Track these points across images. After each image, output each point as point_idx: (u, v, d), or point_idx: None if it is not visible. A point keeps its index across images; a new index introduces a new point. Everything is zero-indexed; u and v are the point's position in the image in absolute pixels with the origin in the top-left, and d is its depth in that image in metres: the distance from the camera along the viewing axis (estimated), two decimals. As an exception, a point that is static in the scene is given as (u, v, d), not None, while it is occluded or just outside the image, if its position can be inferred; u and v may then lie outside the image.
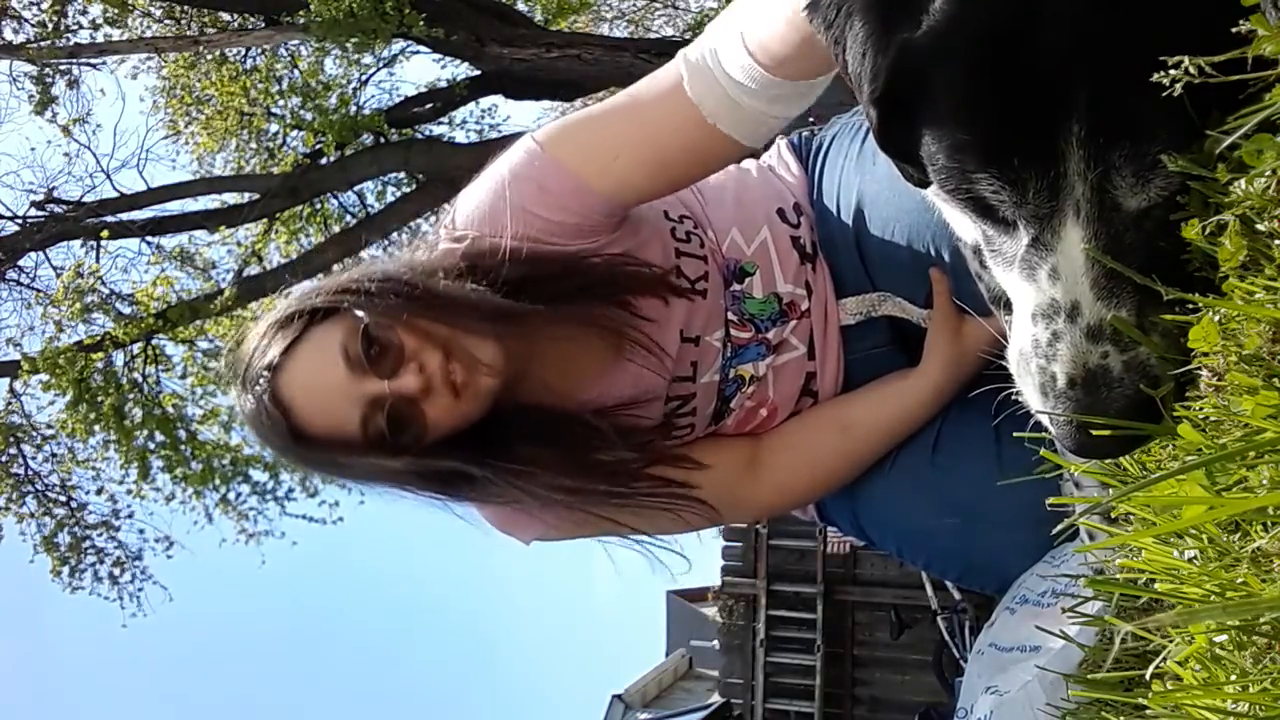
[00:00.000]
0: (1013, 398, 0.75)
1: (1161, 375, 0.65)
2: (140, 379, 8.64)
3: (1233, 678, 0.57)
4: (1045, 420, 0.72)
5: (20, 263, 8.78)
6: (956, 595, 5.33)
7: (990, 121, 0.65)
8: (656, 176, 1.21)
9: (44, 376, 7.88)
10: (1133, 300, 0.65)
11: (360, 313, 1.16)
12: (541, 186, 1.20)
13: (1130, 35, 0.60)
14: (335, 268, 1.37)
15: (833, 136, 1.42)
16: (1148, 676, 0.67)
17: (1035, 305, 0.69)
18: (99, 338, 8.26)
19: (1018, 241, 0.69)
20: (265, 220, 9.33)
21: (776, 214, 1.37)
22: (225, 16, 9.01)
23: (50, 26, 8.46)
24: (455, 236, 1.25)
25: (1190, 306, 0.62)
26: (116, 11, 8.56)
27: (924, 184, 0.73)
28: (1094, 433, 0.67)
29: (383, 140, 9.02)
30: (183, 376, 8.96)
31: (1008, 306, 0.75)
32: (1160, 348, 0.65)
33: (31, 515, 8.76)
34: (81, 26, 8.71)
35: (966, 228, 0.76)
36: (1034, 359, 0.70)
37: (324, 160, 8.89)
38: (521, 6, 10.16)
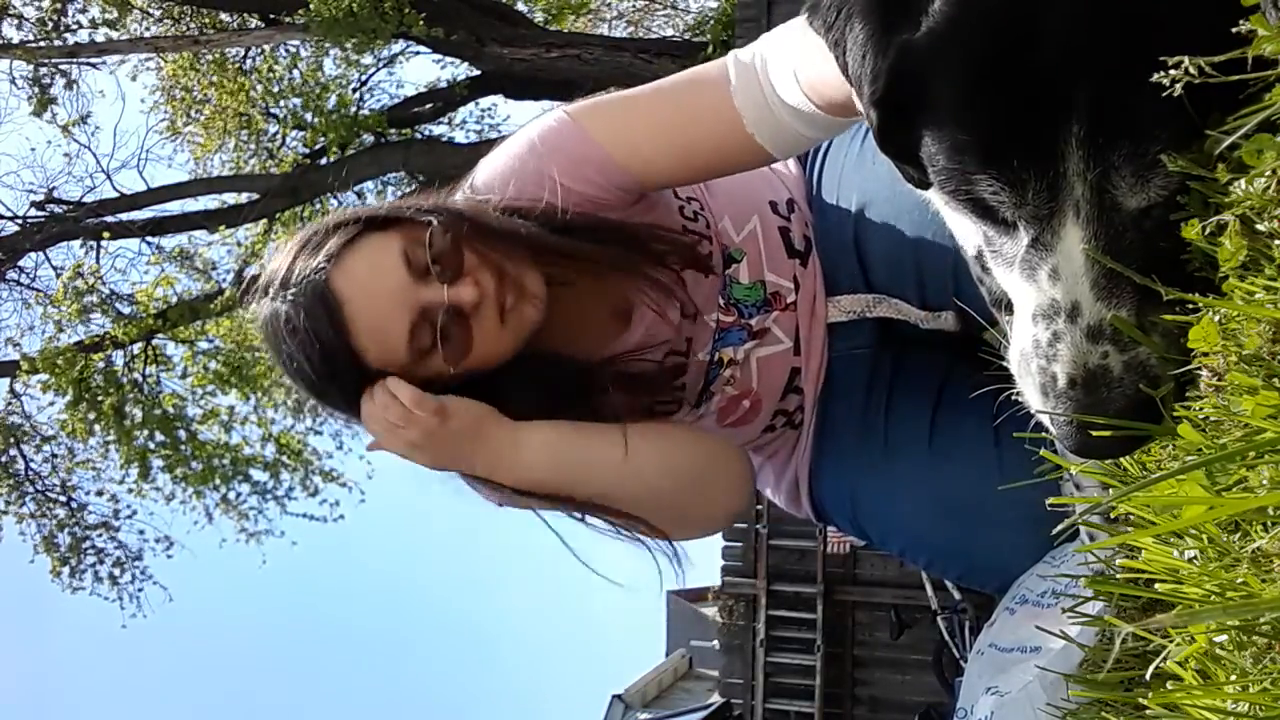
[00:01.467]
0: (1013, 398, 0.75)
1: (1162, 375, 0.65)
2: (140, 379, 8.65)
3: (1233, 678, 0.57)
4: (1046, 420, 0.72)
5: (20, 263, 8.78)
6: (956, 595, 5.33)
7: (990, 122, 0.65)
8: (682, 166, 1.23)
9: (44, 376, 7.89)
10: (1133, 300, 0.65)
11: (427, 219, 1.18)
12: (568, 154, 1.22)
13: (1130, 35, 0.60)
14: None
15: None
16: (1148, 676, 0.67)
17: (1036, 306, 0.69)
18: (99, 338, 8.27)
19: (1018, 242, 0.69)
20: (265, 220, 9.34)
21: (768, 205, 1.38)
22: (225, 17, 9.01)
23: (50, 25, 8.46)
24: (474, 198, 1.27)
25: (1190, 306, 0.62)
26: (116, 11, 8.56)
27: (924, 185, 0.73)
28: (1094, 433, 0.67)
29: (383, 140, 9.03)
30: (183, 376, 8.97)
31: (1009, 309, 0.75)
32: (1160, 348, 0.65)
33: (31, 516, 8.77)
34: (81, 26, 8.71)
35: (967, 229, 0.77)
36: (1034, 359, 0.70)
37: (324, 160, 8.89)
38: (521, 7, 10.16)
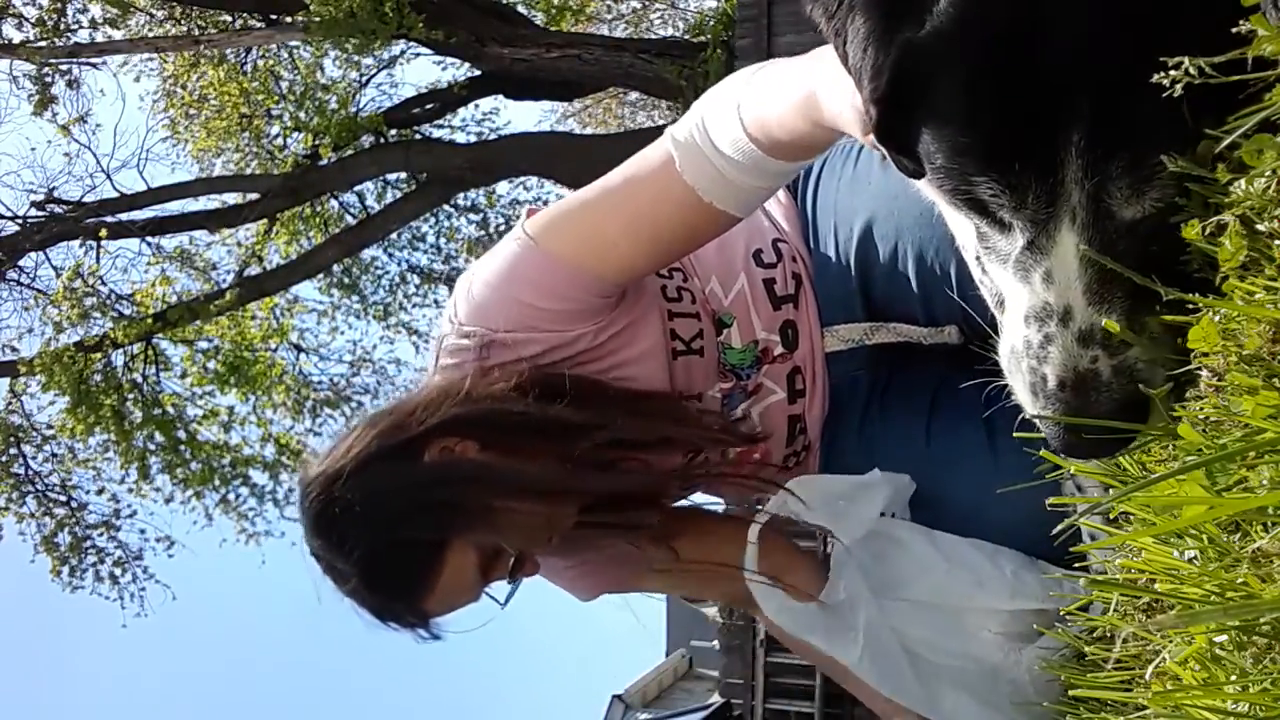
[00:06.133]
0: (1005, 392, 0.76)
1: (1150, 379, 0.66)
2: (140, 379, 8.64)
3: (1233, 678, 0.57)
4: (1036, 420, 0.73)
5: (20, 263, 8.78)
6: (956, 595, 5.32)
7: (992, 125, 0.65)
8: (655, 254, 1.22)
9: (43, 377, 7.88)
10: (1123, 307, 0.66)
11: (499, 541, 1.22)
12: (537, 281, 1.21)
13: (1134, 43, 0.60)
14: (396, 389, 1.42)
15: (823, 160, 1.41)
16: (1148, 676, 0.67)
17: (1029, 307, 0.70)
18: (98, 338, 8.27)
19: (1012, 241, 0.70)
20: (265, 221, 9.33)
21: (753, 258, 1.37)
22: (225, 17, 9.01)
23: (50, 25, 8.46)
24: (463, 332, 1.27)
25: (1190, 307, 0.62)
26: (116, 11, 8.56)
27: (917, 175, 0.73)
28: (1083, 435, 0.68)
29: (382, 140, 9.01)
30: (182, 377, 8.97)
31: (1010, 307, 0.75)
32: (1149, 349, 0.66)
33: (32, 515, 8.76)
34: (81, 26, 8.70)
35: (962, 224, 0.77)
36: (1025, 359, 0.71)
37: (324, 161, 8.88)
38: (522, 8, 10.15)
